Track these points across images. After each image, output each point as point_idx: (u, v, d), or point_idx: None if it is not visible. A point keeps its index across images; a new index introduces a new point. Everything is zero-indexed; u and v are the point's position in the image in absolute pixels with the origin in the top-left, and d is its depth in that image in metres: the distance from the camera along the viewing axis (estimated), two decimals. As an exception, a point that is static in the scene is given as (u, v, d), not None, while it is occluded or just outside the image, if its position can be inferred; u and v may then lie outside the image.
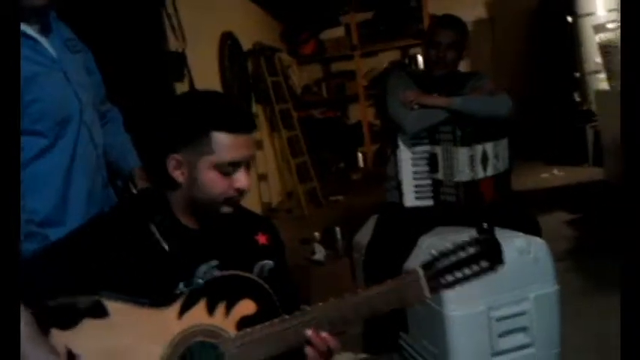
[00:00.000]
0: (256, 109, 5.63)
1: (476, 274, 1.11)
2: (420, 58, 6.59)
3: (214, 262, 1.19)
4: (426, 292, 1.10)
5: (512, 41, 6.97)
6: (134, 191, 1.72)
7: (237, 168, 1.15)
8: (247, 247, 1.25)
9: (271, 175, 5.72)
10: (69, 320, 1.08)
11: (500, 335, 1.87)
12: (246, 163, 1.17)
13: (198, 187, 1.15)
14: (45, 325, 1.07)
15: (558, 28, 5.56)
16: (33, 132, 1.46)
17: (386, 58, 7.24)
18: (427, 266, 1.11)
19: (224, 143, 1.12)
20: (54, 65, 1.53)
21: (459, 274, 1.10)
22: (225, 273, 1.16)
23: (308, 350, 1.11)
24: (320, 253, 3.62)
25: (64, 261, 1.14)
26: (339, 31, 7.08)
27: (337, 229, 3.75)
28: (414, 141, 2.17)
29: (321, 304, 1.12)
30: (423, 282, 1.09)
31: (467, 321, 1.85)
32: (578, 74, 5.30)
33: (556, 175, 5.39)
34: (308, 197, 5.57)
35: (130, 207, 1.24)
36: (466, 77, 2.33)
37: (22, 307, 1.05)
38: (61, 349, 1.07)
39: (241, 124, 1.14)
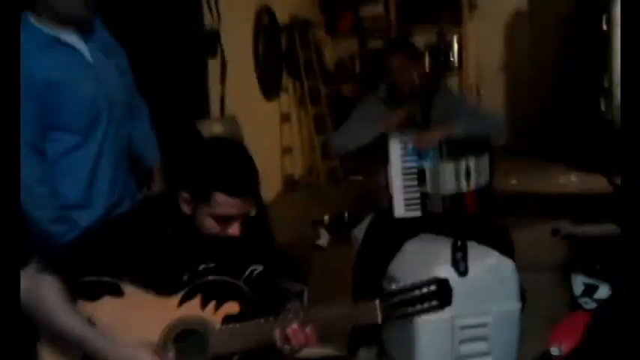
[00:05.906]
0: (286, 82, 5.78)
1: (425, 311, 1.36)
2: (455, 44, 6.66)
3: (211, 265, 1.45)
4: (379, 320, 1.35)
5: (549, 38, 6.90)
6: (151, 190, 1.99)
7: (232, 219, 1.39)
8: (243, 251, 1.49)
9: (296, 148, 5.91)
10: (93, 294, 1.37)
11: (462, 342, 2.09)
12: (242, 215, 1.40)
13: (198, 224, 1.40)
14: (74, 295, 1.35)
15: (593, 33, 5.50)
16: (68, 130, 1.71)
17: (421, 40, 7.24)
18: (386, 298, 1.35)
19: (222, 202, 1.35)
20: (89, 71, 1.73)
21: (410, 309, 1.35)
22: (219, 278, 1.43)
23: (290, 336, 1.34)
24: (324, 238, 3.74)
25: (96, 247, 1.41)
26: (377, 9, 7.10)
27: (346, 214, 3.90)
28: (403, 157, 2.33)
29: (290, 315, 1.37)
30: (379, 311, 1.34)
31: (434, 326, 2.06)
32: (606, 83, 5.28)
33: (573, 182, 5.42)
34: (328, 174, 5.74)
35: (152, 209, 1.52)
36: (431, 92, 2.51)
37: (53, 277, 1.32)
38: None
39: (239, 190, 1.36)
